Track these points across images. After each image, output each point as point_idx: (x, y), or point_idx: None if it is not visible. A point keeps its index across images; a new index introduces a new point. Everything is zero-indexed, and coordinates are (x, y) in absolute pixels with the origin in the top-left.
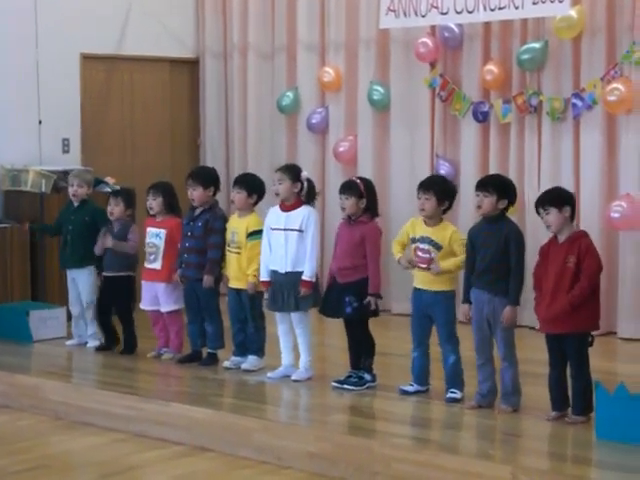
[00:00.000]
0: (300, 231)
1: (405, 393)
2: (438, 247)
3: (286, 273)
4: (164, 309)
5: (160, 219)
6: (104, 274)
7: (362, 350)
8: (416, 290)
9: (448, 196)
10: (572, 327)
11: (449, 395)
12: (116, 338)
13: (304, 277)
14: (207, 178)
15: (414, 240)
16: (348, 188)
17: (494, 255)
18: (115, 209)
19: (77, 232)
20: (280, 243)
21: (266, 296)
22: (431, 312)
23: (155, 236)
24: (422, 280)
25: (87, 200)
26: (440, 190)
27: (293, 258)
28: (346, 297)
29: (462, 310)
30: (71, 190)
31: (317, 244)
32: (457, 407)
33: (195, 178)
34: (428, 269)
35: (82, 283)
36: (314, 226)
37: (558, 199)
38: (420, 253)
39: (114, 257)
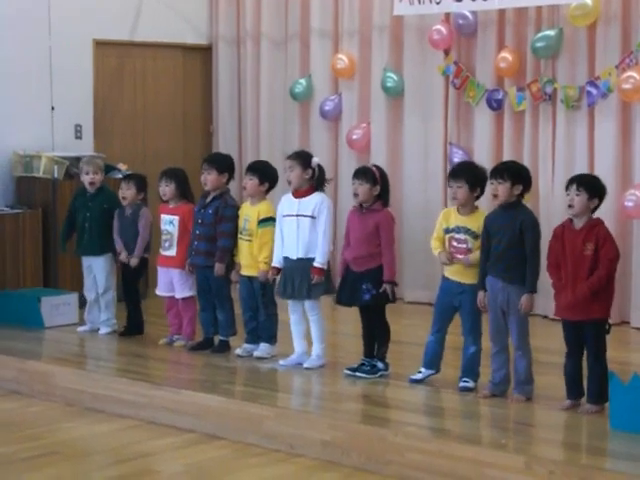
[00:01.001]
0: (312, 217)
1: (415, 382)
2: (475, 236)
3: (298, 259)
4: (179, 295)
5: (173, 205)
6: (120, 259)
7: (377, 338)
8: (445, 280)
9: (480, 182)
10: (590, 313)
11: (462, 384)
12: (140, 325)
13: (315, 264)
14: (222, 163)
15: (448, 230)
16: (363, 174)
17: (509, 242)
18: (127, 193)
19: (95, 219)
20: (292, 229)
21: (277, 283)
22: (457, 303)
23: (169, 223)
24: (452, 271)
25: (103, 187)
26: (472, 177)
27: (305, 244)
28: (363, 284)
29: (478, 297)
30: (87, 178)
31: (329, 231)
32: (470, 396)
33: (210, 162)
34: (459, 261)
35: (98, 270)
36: (327, 213)
37: (595, 188)
38: (455, 243)
39: (126, 240)
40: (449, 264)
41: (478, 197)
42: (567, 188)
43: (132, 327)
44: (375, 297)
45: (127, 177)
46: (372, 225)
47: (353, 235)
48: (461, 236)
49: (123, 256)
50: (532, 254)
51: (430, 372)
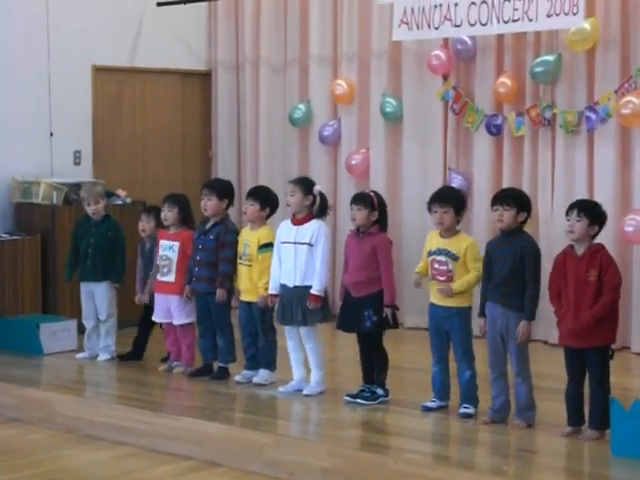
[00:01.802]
0: (310, 245)
1: (428, 410)
2: (454, 258)
3: (295, 287)
4: (177, 322)
5: (173, 231)
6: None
7: (376, 364)
8: (432, 305)
9: (463, 207)
10: (595, 341)
11: (462, 410)
12: (143, 351)
13: (312, 291)
14: (223, 189)
15: (430, 253)
16: (361, 199)
17: (510, 269)
18: (147, 226)
19: (99, 246)
20: (290, 256)
21: (275, 309)
22: (447, 327)
23: (168, 249)
24: (438, 295)
25: (109, 215)
26: (457, 202)
27: (302, 272)
28: (365, 311)
29: (478, 324)
30: (90, 209)
31: (327, 258)
32: (471, 422)
33: (211, 188)
34: (442, 287)
35: (100, 297)
36: (324, 240)
37: (596, 214)
38: (437, 265)
39: (148, 270)
40: (416, 286)
41: (459, 221)
42: (567, 213)
43: (135, 353)
44: (377, 324)
45: (148, 210)
46: (369, 249)
47: (351, 260)
48: (442, 258)
49: (140, 297)
50: (532, 281)
51: (442, 403)
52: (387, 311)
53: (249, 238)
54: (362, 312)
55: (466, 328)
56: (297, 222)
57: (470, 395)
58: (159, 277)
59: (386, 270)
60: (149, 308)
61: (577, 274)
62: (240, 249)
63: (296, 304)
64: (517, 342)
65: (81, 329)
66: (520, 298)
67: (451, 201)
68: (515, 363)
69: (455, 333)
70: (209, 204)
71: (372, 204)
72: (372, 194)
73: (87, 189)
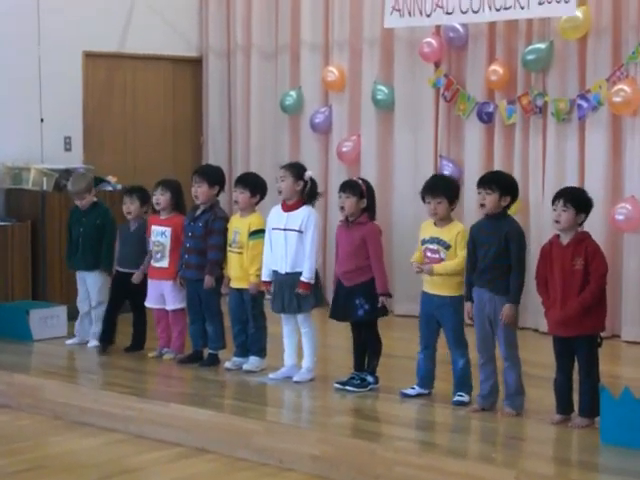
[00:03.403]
0: (300, 232)
1: (406, 396)
2: (446, 246)
3: (286, 274)
4: (169, 307)
5: (165, 217)
6: (118, 269)
7: (369, 351)
8: (424, 294)
9: (456, 196)
10: (583, 329)
11: (457, 398)
12: (113, 338)
13: (302, 278)
14: (213, 176)
15: (424, 241)
16: (350, 187)
17: (495, 254)
18: (131, 207)
19: (88, 235)
20: (280, 243)
21: (268, 297)
22: (439, 316)
23: (161, 234)
24: (430, 284)
25: (97, 202)
26: (450, 192)
27: (293, 259)
28: (356, 300)
29: (465, 309)
30: (78, 203)
31: (316, 245)
32: (460, 410)
33: (201, 175)
34: (421, 270)
35: (91, 285)
36: (313, 227)
37: (581, 202)
38: (429, 254)
39: (132, 254)
40: (418, 272)
41: (453, 209)
42: (553, 203)
43: (138, 343)
44: (369, 312)
45: (130, 191)
46: (359, 238)
47: (341, 249)
48: (434, 246)
49: (111, 273)
50: (517, 265)
51: (423, 391)
52: (382, 299)
53: (239, 225)
54: (354, 301)
55: (458, 316)
56: (287, 208)
57: (464, 383)
58: (152, 263)
59: (376, 259)
60: (135, 295)
61: (563, 263)
62: (230, 236)
63: (289, 291)
64: (502, 324)
65: (71, 315)
66: (507, 282)
67: (444, 192)
68: (503, 347)
69: (447, 322)
70: (200, 191)
71: (360, 191)
72: (360, 181)
73: (73, 183)
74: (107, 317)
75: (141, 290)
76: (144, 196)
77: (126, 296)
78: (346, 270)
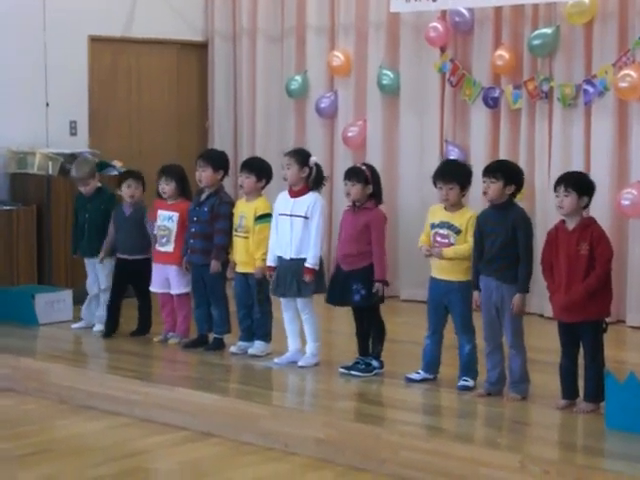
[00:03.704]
0: (306, 218)
1: (411, 381)
2: (457, 231)
3: (291, 259)
4: (174, 291)
5: (172, 202)
6: (119, 256)
7: (373, 336)
8: (433, 279)
9: (468, 181)
10: (588, 314)
11: (461, 383)
12: (118, 323)
13: (307, 264)
14: (218, 160)
15: (433, 226)
16: (354, 174)
17: (502, 242)
18: (136, 192)
19: (93, 221)
20: (286, 229)
21: (271, 281)
22: (447, 301)
23: (168, 219)
24: (438, 269)
25: (102, 188)
26: (462, 177)
27: (298, 244)
28: (353, 285)
29: (473, 297)
30: (82, 189)
31: (321, 232)
32: (466, 395)
33: (206, 159)
34: (430, 254)
35: (100, 270)
36: (319, 213)
37: (583, 186)
38: (439, 238)
39: (131, 240)
40: (428, 255)
41: (465, 194)
42: (555, 189)
43: (144, 327)
44: (365, 298)
45: (134, 175)
46: (363, 223)
47: (344, 233)
48: (444, 231)
49: (101, 257)
50: (525, 253)
51: (428, 376)
52: (378, 286)
53: (245, 210)
54: (351, 286)
55: (467, 302)
56: (294, 194)
57: (469, 368)
58: (157, 247)
59: (378, 245)
60: (139, 280)
61: (568, 248)
62: (236, 221)
63: (291, 276)
64: (512, 314)
65: (76, 299)
66: (514, 271)
67: (456, 178)
68: (509, 335)
69: (456, 307)
70: (204, 175)
71: (365, 178)
72: (364, 168)
73: (76, 169)
74: (110, 305)
75: (144, 275)
76: (143, 180)
77: (129, 282)
78: (347, 253)
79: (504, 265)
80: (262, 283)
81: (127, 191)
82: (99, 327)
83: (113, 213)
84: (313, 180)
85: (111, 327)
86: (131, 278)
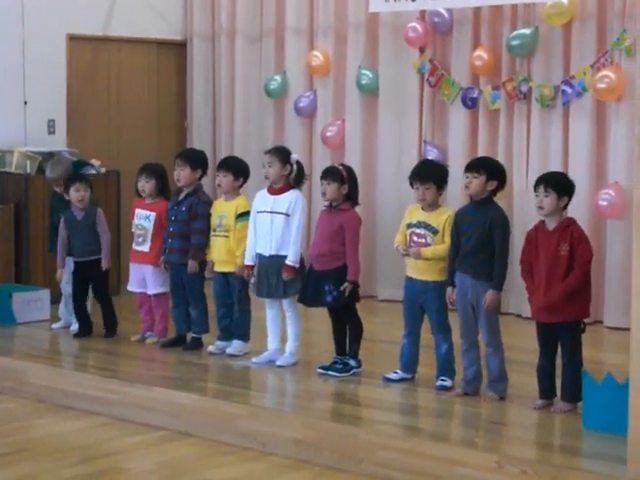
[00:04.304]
0: (287, 215)
1: (389, 381)
2: (434, 231)
3: (270, 256)
4: (151, 291)
5: (150, 201)
6: (75, 260)
7: (350, 335)
8: (408, 279)
9: (445, 181)
10: (567, 315)
11: (439, 383)
12: (91, 325)
13: (287, 262)
14: (196, 160)
15: (410, 225)
16: (330, 173)
17: (478, 239)
18: (85, 195)
19: None
20: (266, 225)
21: (252, 281)
22: (422, 301)
23: (144, 218)
24: (414, 269)
25: None
26: (439, 178)
27: (278, 241)
28: (325, 286)
29: (447, 293)
30: (57, 189)
31: (302, 229)
32: (443, 395)
33: (184, 158)
34: (407, 254)
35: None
36: (300, 211)
37: (563, 186)
38: (415, 238)
39: (83, 242)
40: (404, 255)
41: (441, 194)
42: (535, 189)
43: (111, 328)
44: (337, 299)
45: (81, 178)
46: (337, 224)
47: (319, 232)
48: (421, 231)
49: (59, 273)
50: (500, 251)
51: (405, 375)
52: (348, 286)
53: (224, 209)
54: (323, 286)
55: (442, 302)
56: (274, 192)
57: (447, 367)
58: (134, 246)
59: (351, 246)
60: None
61: (548, 248)
62: (215, 221)
63: (274, 276)
64: (485, 310)
65: (54, 299)
66: (489, 268)
67: (432, 177)
68: (485, 333)
69: (431, 307)
70: (182, 174)
71: (341, 177)
72: (341, 167)
73: (51, 170)
74: (76, 309)
75: (100, 277)
76: (91, 183)
77: (88, 285)
78: (320, 253)
79: (479, 261)
80: (243, 282)
81: (76, 195)
82: (76, 327)
83: (64, 217)
84: (294, 178)
85: (84, 329)
86: (88, 281)
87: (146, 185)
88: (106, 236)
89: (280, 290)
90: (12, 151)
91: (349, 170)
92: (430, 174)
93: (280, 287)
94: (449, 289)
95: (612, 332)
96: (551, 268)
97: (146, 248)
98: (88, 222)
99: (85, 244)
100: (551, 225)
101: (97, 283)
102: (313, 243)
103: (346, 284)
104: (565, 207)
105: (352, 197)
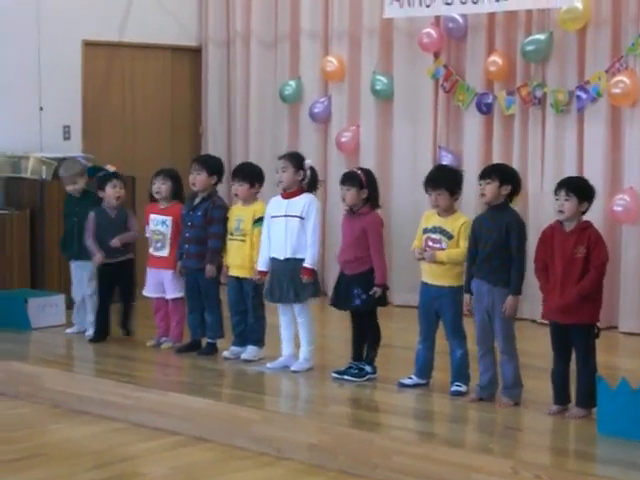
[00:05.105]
0: (301, 218)
1: (403, 386)
2: (449, 236)
3: (286, 260)
4: (169, 296)
5: (164, 206)
6: (105, 261)
7: (368, 341)
8: (423, 284)
9: (458, 187)
10: (581, 317)
11: (454, 388)
12: (108, 331)
13: (305, 264)
14: (213, 165)
15: (426, 230)
16: (349, 179)
17: (495, 244)
18: (122, 192)
19: (81, 224)
20: (280, 229)
21: (265, 287)
22: (437, 306)
23: (161, 223)
24: (429, 274)
25: (88, 191)
26: (451, 183)
27: (293, 245)
28: (354, 289)
29: (464, 300)
30: (70, 189)
31: (319, 232)
32: (458, 400)
33: (201, 163)
34: (423, 258)
35: (86, 275)
36: (315, 213)
37: (584, 191)
38: (431, 243)
39: (110, 244)
40: (420, 258)
41: (457, 199)
42: (556, 193)
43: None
44: (365, 302)
45: (119, 177)
46: (359, 229)
47: (344, 239)
48: (436, 236)
49: (99, 257)
50: (517, 256)
51: (420, 381)
52: (377, 290)
53: (242, 214)
54: (352, 290)
55: (457, 307)
56: (287, 196)
57: (461, 373)
58: (152, 251)
59: (376, 250)
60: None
61: (565, 250)
62: (232, 225)
63: (287, 281)
64: (503, 317)
65: (69, 304)
66: (506, 274)
67: (444, 183)
68: (501, 340)
69: (446, 312)
70: (198, 179)
71: (360, 182)
72: (360, 172)
73: (64, 168)
74: (100, 313)
75: (130, 277)
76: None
77: (113, 289)
78: (346, 260)
79: (496, 267)
80: (257, 287)
81: (112, 192)
82: (91, 332)
83: (96, 215)
84: (308, 183)
85: (100, 334)
86: (117, 281)
87: (162, 187)
88: (136, 234)
89: (291, 294)
90: (28, 157)
91: (368, 174)
92: (442, 180)
93: (291, 292)
94: (466, 297)
95: (627, 337)
96: (567, 270)
97: (165, 253)
98: (120, 221)
99: (107, 243)
100: (569, 227)
101: (126, 284)
102: (340, 249)
103: (375, 288)
104: (584, 212)
105: (372, 200)
